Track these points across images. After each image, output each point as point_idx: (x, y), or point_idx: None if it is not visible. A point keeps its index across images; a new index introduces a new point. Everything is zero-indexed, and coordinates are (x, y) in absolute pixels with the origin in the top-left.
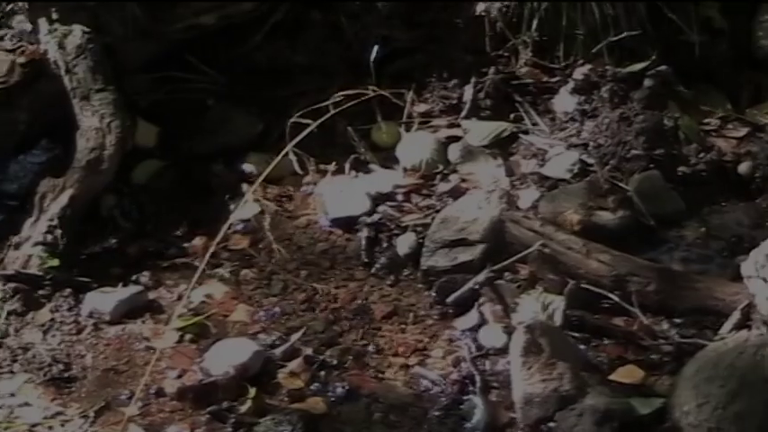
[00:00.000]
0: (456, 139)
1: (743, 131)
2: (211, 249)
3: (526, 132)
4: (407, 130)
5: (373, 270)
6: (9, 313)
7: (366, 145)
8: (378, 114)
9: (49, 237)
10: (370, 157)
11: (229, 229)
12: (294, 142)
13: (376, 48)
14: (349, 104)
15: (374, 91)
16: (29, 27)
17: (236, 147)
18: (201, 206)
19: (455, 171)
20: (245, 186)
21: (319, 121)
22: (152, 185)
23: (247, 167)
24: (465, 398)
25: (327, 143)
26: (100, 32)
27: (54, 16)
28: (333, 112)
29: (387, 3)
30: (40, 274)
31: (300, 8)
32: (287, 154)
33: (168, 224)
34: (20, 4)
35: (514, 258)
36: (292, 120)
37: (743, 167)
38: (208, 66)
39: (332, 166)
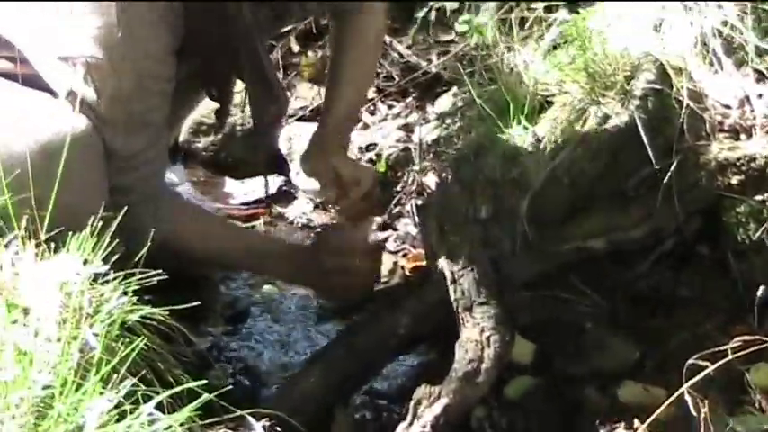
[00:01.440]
0: None
1: None
2: None
3: None
4: None
5: None
6: None
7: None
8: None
9: None
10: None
11: None
12: (690, 383)
13: (762, 288)
14: (747, 351)
15: None
16: (414, 231)
17: (611, 372)
18: (571, 428)
19: None
20: (616, 412)
21: (717, 365)
22: (523, 402)
23: (621, 394)
24: None
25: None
26: (487, 246)
27: (446, 227)
28: (731, 357)
29: None
30: None
31: (689, 241)
32: (680, 393)
33: None
34: (407, 208)
35: None
36: (690, 361)
37: None
38: (590, 288)
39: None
